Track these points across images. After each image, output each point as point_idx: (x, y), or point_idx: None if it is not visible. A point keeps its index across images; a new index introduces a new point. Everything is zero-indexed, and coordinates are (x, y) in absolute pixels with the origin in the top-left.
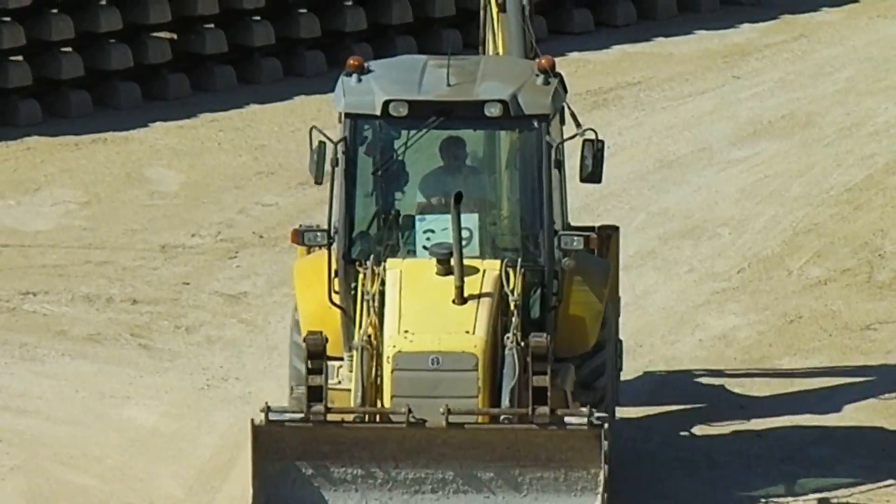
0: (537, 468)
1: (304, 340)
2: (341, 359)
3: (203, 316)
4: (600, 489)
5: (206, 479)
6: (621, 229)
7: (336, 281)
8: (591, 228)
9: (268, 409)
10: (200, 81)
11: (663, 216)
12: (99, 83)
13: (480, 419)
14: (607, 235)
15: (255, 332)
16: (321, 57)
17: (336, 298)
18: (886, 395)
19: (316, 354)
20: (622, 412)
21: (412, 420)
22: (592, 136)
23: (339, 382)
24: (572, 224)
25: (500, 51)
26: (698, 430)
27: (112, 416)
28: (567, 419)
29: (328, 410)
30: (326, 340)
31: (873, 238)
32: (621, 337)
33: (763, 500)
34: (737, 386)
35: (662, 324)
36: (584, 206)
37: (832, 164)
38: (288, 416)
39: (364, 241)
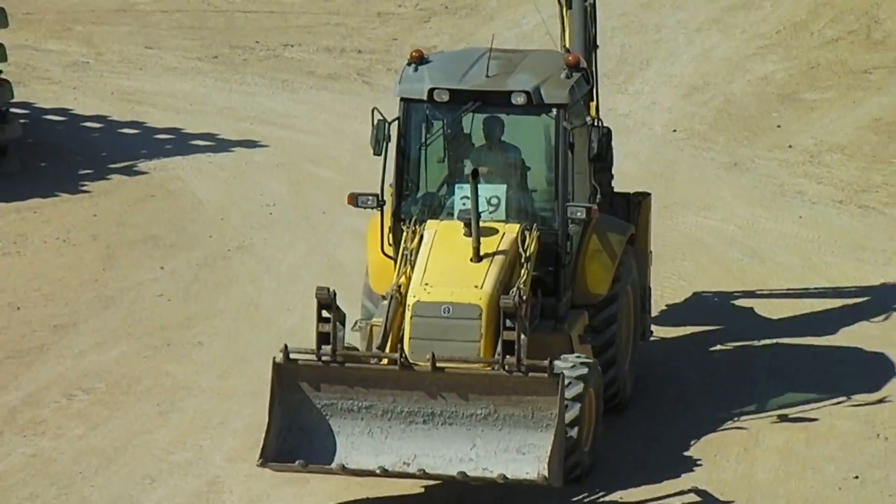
0: (510, 406)
1: (316, 294)
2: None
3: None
4: (556, 426)
5: None
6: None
7: (389, 236)
8: (628, 195)
9: (286, 350)
10: None
11: None
12: None
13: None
14: (638, 202)
15: None
16: None
17: (388, 251)
18: (876, 117)
19: (325, 306)
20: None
21: (403, 363)
22: (599, 124)
23: None
24: (615, 189)
25: (567, 43)
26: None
27: (345, 129)
28: (532, 369)
29: (335, 353)
30: (334, 294)
31: (871, 8)
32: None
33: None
34: (777, 119)
35: (723, 68)
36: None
37: None
38: (302, 356)
39: (412, 204)
